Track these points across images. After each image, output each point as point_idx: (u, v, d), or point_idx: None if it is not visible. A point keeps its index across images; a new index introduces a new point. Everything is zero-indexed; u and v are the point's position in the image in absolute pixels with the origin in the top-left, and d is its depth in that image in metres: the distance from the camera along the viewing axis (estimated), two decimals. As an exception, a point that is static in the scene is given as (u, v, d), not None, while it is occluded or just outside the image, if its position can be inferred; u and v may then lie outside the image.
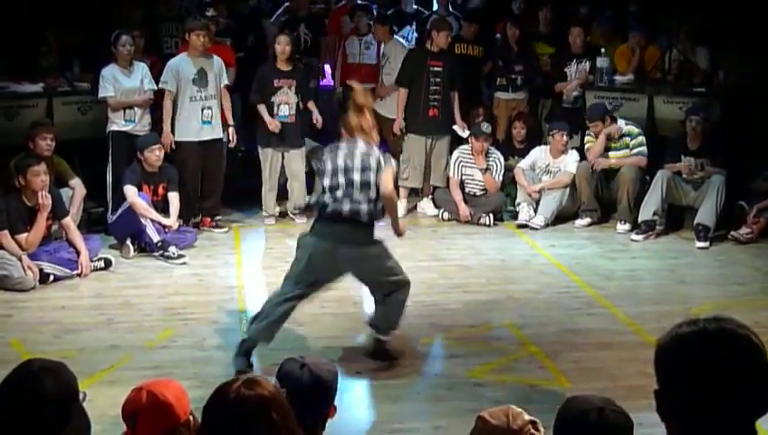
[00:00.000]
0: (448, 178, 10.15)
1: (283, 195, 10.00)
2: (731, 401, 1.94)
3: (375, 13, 11.59)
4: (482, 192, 10.06)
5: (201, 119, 9.34)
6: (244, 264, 8.66)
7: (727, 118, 9.78)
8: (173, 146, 9.23)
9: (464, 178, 10.07)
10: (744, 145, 9.78)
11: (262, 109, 9.62)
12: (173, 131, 9.31)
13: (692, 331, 1.99)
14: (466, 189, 10.08)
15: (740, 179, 9.46)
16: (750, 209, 9.24)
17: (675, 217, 9.65)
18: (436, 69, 10.06)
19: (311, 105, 9.91)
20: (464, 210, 9.91)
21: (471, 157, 10.02)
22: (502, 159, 10.12)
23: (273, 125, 9.55)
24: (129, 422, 3.29)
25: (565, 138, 9.98)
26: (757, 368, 1.96)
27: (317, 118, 9.90)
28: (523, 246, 9.22)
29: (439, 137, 10.22)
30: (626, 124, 9.84)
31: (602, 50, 10.65)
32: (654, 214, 9.36)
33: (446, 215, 10.09)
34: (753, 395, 1.95)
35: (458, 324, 7.11)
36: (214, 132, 9.42)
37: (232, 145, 9.63)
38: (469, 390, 5.94)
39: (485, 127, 10.02)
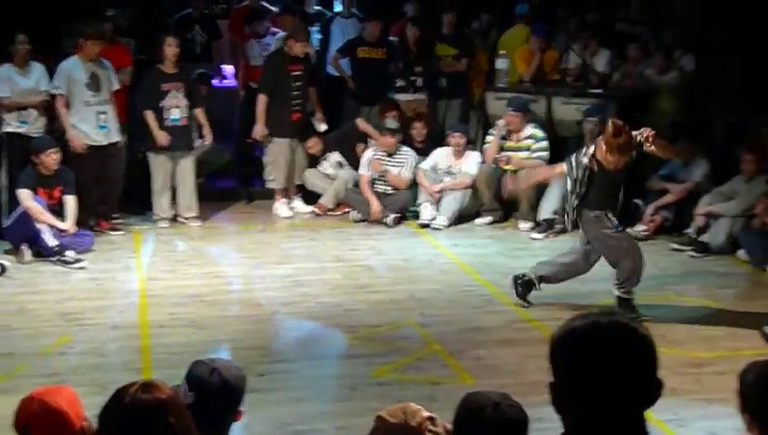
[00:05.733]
0: (360, 177, 10.16)
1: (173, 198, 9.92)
2: (621, 392, 1.99)
3: (276, 10, 11.62)
4: (392, 191, 10.11)
5: (97, 123, 9.19)
6: (144, 267, 8.54)
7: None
8: (81, 147, 9.07)
9: (374, 174, 10.12)
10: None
11: (149, 117, 9.53)
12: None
13: (585, 324, 2.04)
14: (376, 187, 10.11)
15: (636, 178, 9.67)
16: (646, 207, 9.46)
17: (574, 216, 9.81)
18: (296, 73, 10.09)
19: (200, 114, 9.84)
20: (375, 207, 9.90)
21: (383, 154, 10.10)
22: (414, 155, 10.18)
23: (162, 137, 9.50)
24: (22, 434, 3.19)
25: (462, 139, 10.10)
26: (646, 359, 2.02)
27: (206, 131, 9.90)
28: (426, 246, 9.29)
29: (301, 138, 10.34)
30: (533, 127, 9.98)
31: (502, 52, 10.79)
32: (554, 212, 9.51)
33: (356, 215, 10.09)
34: (642, 385, 2.01)
35: (362, 324, 7.12)
36: (110, 136, 9.28)
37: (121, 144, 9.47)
38: (373, 389, 5.96)
39: (390, 123, 10.10)
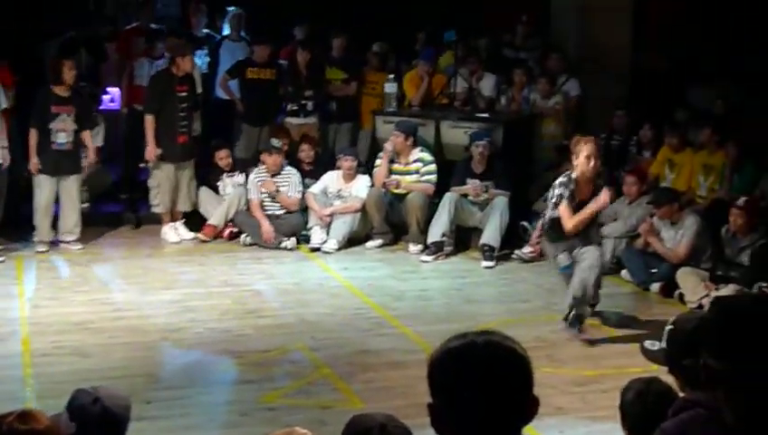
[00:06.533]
0: (249, 201, 10.09)
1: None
2: (498, 410, 2.02)
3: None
4: (281, 211, 10.07)
5: (-21, 144, 8.97)
6: (27, 294, 8.31)
7: (509, 142, 10.17)
8: None
9: (262, 195, 10.05)
10: (525, 167, 10.24)
11: (32, 136, 9.34)
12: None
13: (461, 344, 2.06)
14: (266, 210, 10.05)
15: (523, 201, 9.88)
16: (532, 229, 9.63)
17: (462, 238, 9.94)
18: (182, 94, 10.00)
19: (86, 137, 9.68)
20: (267, 229, 9.83)
21: (266, 174, 10.06)
22: (298, 176, 10.16)
23: (35, 165, 9.31)
24: None
25: (353, 163, 10.15)
26: (521, 377, 2.05)
27: (90, 154, 9.81)
28: (316, 270, 9.28)
29: (187, 161, 10.21)
30: (420, 151, 10.08)
31: (390, 76, 10.90)
32: (442, 235, 9.61)
33: (248, 239, 9.99)
34: (519, 403, 2.04)
35: (252, 350, 7.07)
36: None
37: (5, 166, 9.25)
38: (262, 415, 5.91)
39: (275, 142, 10.09)
